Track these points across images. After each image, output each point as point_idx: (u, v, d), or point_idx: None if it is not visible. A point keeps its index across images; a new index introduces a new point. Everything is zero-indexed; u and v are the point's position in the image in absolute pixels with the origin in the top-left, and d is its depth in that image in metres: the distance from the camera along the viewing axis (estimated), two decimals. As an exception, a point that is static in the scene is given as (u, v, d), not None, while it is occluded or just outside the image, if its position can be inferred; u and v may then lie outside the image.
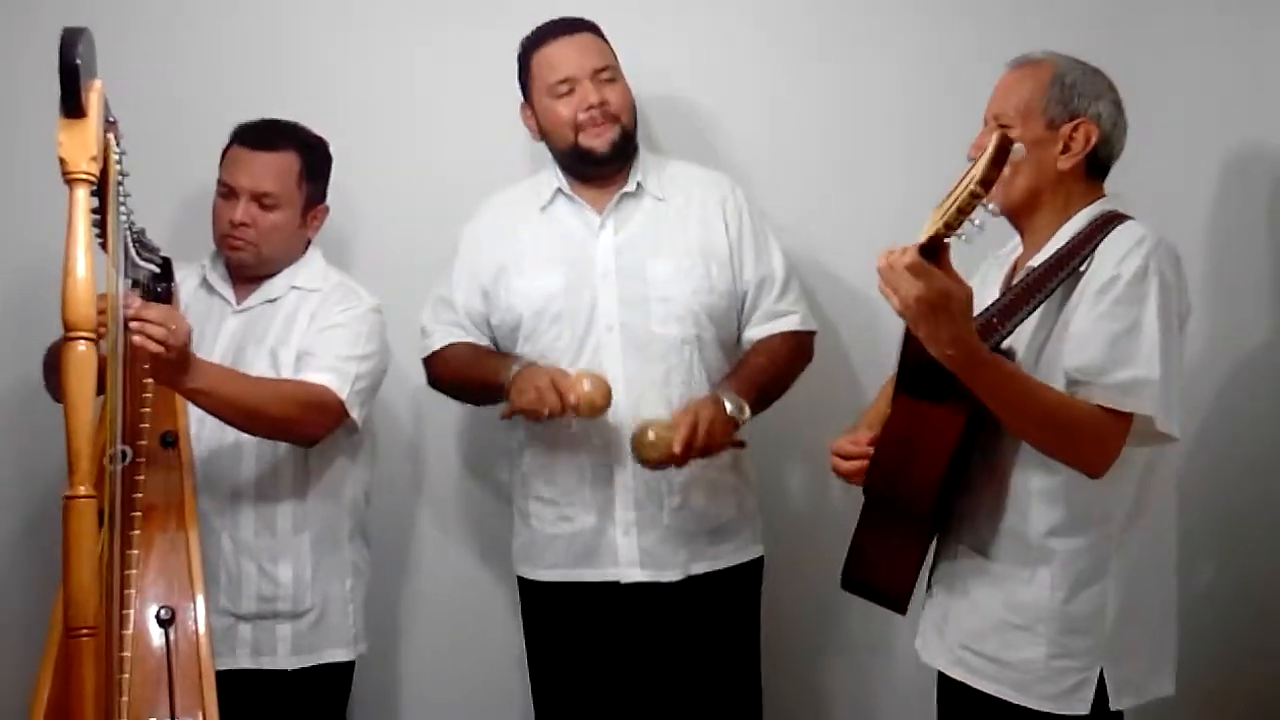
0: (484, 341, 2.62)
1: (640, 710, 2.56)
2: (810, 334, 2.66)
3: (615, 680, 2.56)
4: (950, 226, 1.68)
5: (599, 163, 2.54)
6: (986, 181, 1.64)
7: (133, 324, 2.06)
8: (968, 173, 1.71)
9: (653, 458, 2.38)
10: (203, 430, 2.38)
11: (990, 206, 1.69)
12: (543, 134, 2.58)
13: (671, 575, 2.50)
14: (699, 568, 2.53)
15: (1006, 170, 1.66)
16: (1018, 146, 1.65)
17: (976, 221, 1.69)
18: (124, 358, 2.08)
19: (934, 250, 1.72)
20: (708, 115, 2.95)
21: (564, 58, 2.52)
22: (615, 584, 2.51)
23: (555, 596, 2.58)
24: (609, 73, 2.54)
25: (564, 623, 2.59)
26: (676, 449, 2.35)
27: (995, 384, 1.83)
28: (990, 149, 1.64)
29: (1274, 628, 2.72)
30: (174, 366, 2.15)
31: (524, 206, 2.62)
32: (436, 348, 2.63)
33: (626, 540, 2.50)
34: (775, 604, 2.72)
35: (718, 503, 2.55)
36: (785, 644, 2.88)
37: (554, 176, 2.61)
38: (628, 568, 2.51)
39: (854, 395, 2.90)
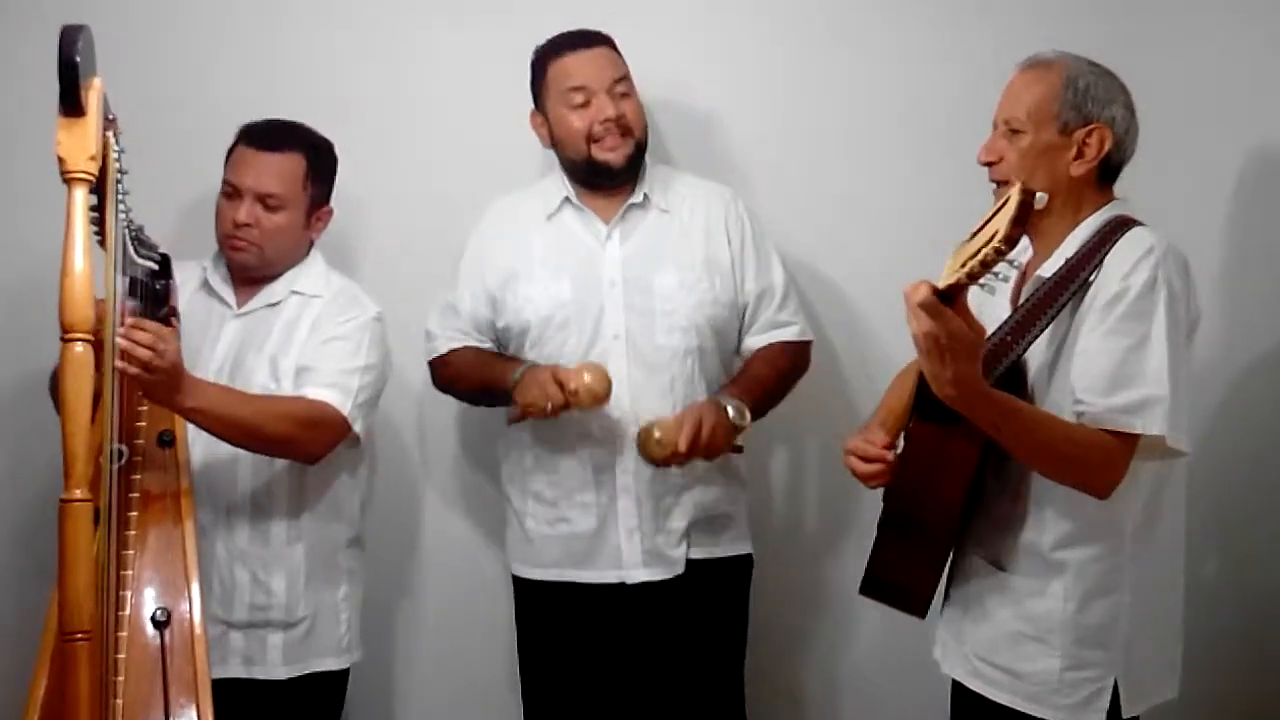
0: (488, 346, 2.64)
1: (625, 706, 2.59)
2: (808, 344, 2.72)
3: (604, 677, 2.59)
4: (973, 277, 1.68)
5: (612, 176, 2.56)
6: (1010, 239, 1.63)
7: (121, 342, 2.05)
8: (990, 218, 1.70)
9: (658, 455, 2.44)
10: (199, 436, 2.35)
11: (1016, 262, 1.69)
12: (554, 142, 2.60)
13: (676, 570, 2.55)
14: (696, 553, 2.57)
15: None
16: (1040, 196, 1.65)
17: (1000, 275, 1.71)
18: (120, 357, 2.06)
19: (951, 296, 1.71)
20: (708, 121, 2.94)
21: (581, 69, 2.54)
22: (619, 585, 2.54)
23: (552, 595, 2.60)
24: (624, 85, 2.56)
25: (560, 621, 2.61)
26: (682, 447, 2.41)
27: (996, 420, 1.83)
28: (1012, 206, 1.63)
29: (1277, 631, 2.72)
30: (165, 387, 2.14)
31: (530, 213, 2.64)
32: (442, 352, 2.65)
33: (630, 543, 2.53)
34: (760, 606, 2.72)
35: (711, 492, 2.58)
36: (769, 645, 2.87)
37: (561, 185, 2.63)
38: (632, 569, 2.54)
39: (844, 402, 2.92)
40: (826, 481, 2.99)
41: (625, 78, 2.57)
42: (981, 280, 1.68)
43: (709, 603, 2.59)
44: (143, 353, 2.07)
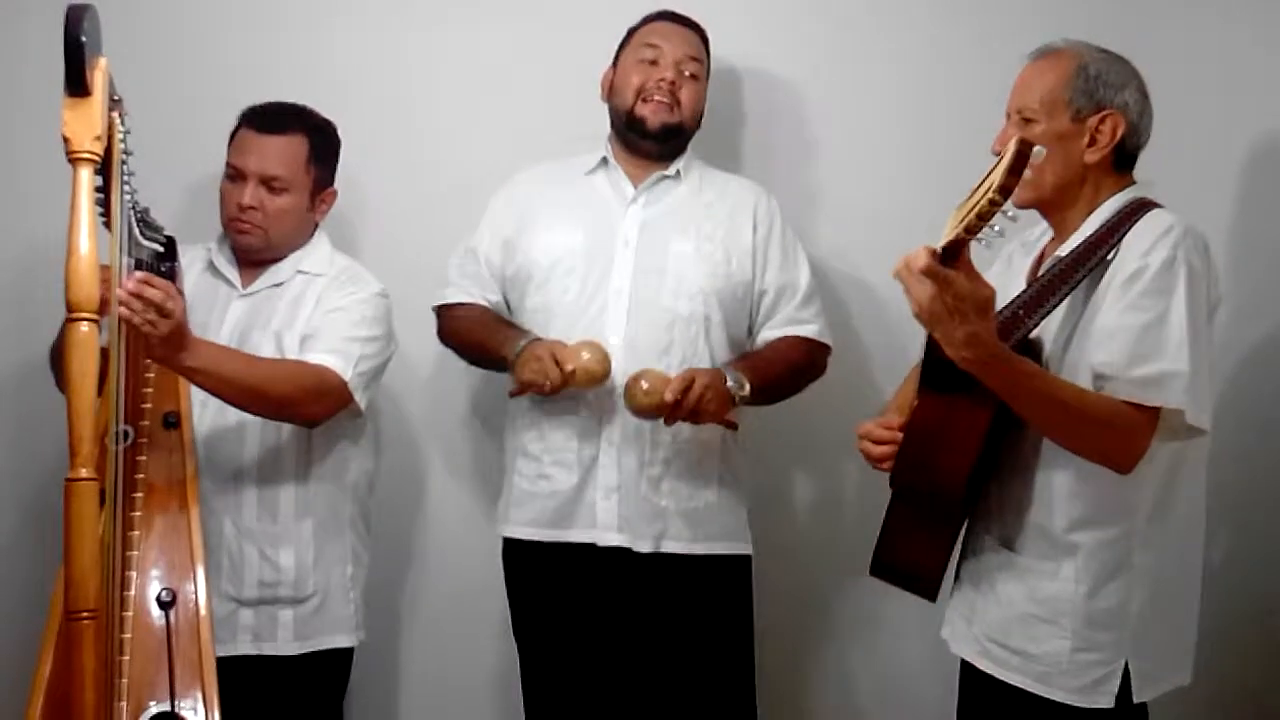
0: (497, 297, 2.65)
1: (623, 678, 2.57)
2: (825, 347, 2.68)
3: (594, 644, 2.57)
4: (970, 231, 1.67)
5: (644, 135, 2.59)
6: (1005, 189, 1.62)
7: (125, 294, 2.02)
8: (989, 174, 1.69)
9: (644, 405, 2.40)
10: (205, 413, 2.37)
11: (1010, 213, 1.67)
12: (610, 95, 2.65)
13: (644, 545, 2.51)
14: (672, 546, 2.53)
15: (1028, 173, 1.64)
16: (1038, 149, 1.62)
17: (996, 228, 1.68)
18: (126, 337, 2.06)
19: (952, 253, 1.70)
20: (738, 120, 2.94)
21: (664, 34, 2.62)
22: (592, 546, 2.53)
23: (532, 555, 2.59)
24: (693, 67, 2.61)
25: (541, 581, 2.60)
26: (668, 397, 2.37)
27: (1014, 383, 1.81)
28: (1008, 156, 1.62)
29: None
30: (168, 344, 2.13)
31: (563, 173, 2.67)
32: (450, 300, 2.67)
33: (606, 504, 2.52)
34: (780, 597, 2.71)
35: (697, 484, 2.55)
36: (787, 637, 2.87)
37: (604, 147, 2.66)
38: (605, 531, 2.52)
39: (876, 401, 2.87)
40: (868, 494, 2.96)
41: (699, 61, 2.62)
42: (979, 234, 1.66)
43: (695, 600, 2.54)
44: (153, 295, 2.04)
